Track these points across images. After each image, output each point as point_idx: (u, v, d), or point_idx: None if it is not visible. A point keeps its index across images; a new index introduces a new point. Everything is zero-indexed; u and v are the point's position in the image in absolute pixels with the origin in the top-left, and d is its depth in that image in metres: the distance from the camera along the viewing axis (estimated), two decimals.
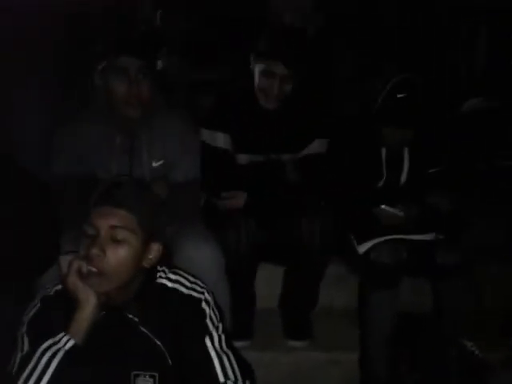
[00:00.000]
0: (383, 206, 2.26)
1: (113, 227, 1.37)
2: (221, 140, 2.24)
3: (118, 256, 1.38)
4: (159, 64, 2.62)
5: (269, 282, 2.40)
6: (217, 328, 1.48)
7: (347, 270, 2.43)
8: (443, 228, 2.22)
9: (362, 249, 2.17)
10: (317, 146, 2.30)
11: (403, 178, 2.34)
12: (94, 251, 1.36)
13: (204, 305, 1.46)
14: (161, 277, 1.49)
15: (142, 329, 1.44)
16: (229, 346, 1.49)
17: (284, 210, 2.21)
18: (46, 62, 2.59)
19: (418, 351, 2.26)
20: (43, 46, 2.57)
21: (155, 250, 1.45)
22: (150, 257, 1.45)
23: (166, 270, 1.51)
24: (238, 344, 1.98)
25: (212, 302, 1.49)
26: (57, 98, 2.55)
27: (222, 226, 2.13)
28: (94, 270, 1.37)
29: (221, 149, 2.24)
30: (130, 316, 1.44)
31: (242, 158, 2.29)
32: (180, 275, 1.50)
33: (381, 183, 2.34)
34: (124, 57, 1.98)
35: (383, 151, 2.33)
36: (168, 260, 1.82)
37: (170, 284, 1.48)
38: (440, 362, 2.19)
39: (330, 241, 2.15)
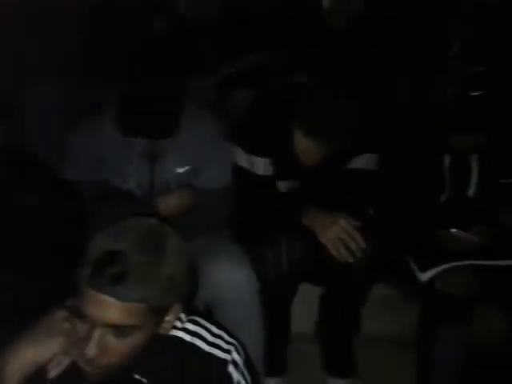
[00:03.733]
0: (454, 231, 1.90)
1: (114, 325, 1.01)
2: (261, 166, 1.91)
3: (124, 349, 1.04)
4: None
5: (305, 304, 2.10)
6: None
7: (399, 295, 2.10)
8: None
9: (426, 276, 1.83)
10: (365, 162, 1.95)
11: (471, 190, 1.98)
12: (91, 352, 1.00)
13: (231, 368, 1.15)
14: (176, 327, 1.16)
15: None
16: None
17: None
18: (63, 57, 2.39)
19: None
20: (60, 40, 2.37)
21: (174, 312, 1.12)
22: (168, 319, 1.11)
23: (183, 318, 1.18)
24: (270, 382, 1.75)
25: (242, 364, 1.17)
26: (72, 95, 2.34)
27: (258, 244, 1.82)
28: (91, 370, 1.04)
29: (262, 176, 1.92)
30: (137, 377, 1.13)
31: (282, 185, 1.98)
32: (200, 326, 1.18)
33: (444, 197, 1.98)
34: None
35: (446, 158, 1.97)
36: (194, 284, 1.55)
37: (187, 337, 1.16)
38: None
39: (373, 261, 1.82)
